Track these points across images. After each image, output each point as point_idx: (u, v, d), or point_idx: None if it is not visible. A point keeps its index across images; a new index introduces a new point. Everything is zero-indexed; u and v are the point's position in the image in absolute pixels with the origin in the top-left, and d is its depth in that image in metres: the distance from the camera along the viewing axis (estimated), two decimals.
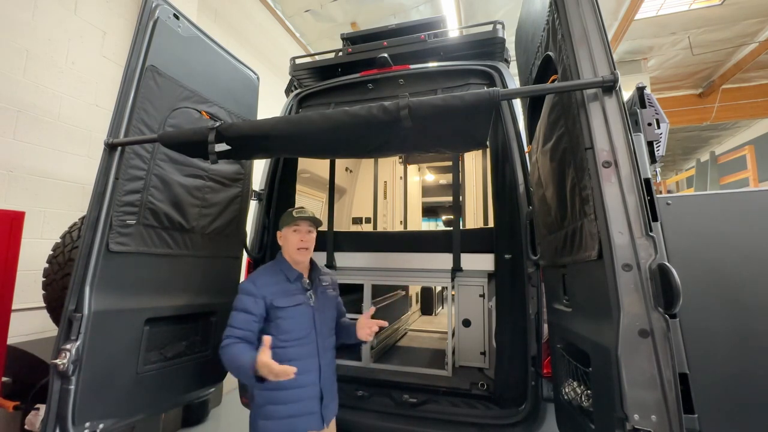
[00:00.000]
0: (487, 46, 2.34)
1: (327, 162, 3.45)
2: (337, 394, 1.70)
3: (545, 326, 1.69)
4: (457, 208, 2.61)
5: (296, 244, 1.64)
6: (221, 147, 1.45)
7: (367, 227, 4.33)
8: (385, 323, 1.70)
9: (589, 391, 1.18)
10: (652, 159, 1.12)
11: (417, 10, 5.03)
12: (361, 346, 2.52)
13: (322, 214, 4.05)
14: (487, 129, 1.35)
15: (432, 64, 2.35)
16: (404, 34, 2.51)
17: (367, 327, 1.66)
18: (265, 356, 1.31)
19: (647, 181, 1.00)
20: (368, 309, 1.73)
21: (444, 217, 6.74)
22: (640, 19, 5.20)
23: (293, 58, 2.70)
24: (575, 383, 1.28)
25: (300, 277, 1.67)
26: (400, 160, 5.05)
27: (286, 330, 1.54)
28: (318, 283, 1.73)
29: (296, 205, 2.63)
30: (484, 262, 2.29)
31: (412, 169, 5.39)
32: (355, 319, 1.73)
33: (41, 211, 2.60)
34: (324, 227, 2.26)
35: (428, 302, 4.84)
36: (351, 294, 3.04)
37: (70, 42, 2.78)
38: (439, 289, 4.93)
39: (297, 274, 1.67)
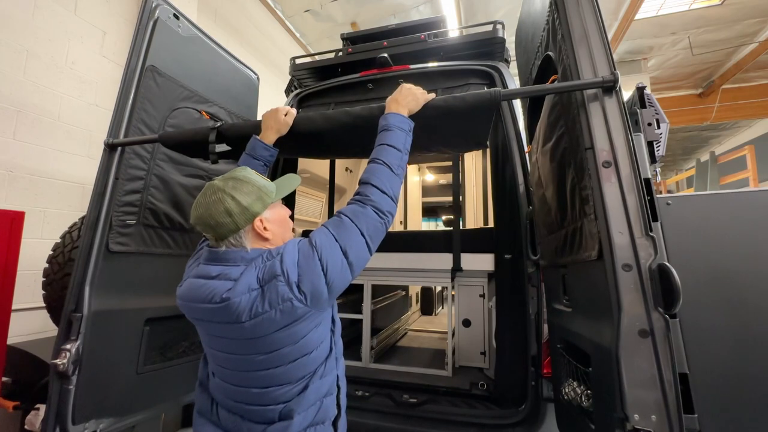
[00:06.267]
0: (487, 46, 2.34)
1: (327, 162, 3.45)
2: None
3: (545, 326, 1.69)
4: (457, 208, 2.60)
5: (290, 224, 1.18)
6: (222, 147, 1.45)
7: None
8: None
9: (589, 391, 1.18)
10: (652, 159, 1.12)
11: (417, 10, 5.03)
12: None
13: (321, 214, 4.07)
14: (487, 129, 1.35)
15: (432, 64, 2.35)
16: (404, 34, 2.51)
17: None
18: None
19: (647, 181, 0.99)
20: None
21: (444, 217, 6.75)
22: (640, 19, 5.20)
23: (293, 58, 2.69)
24: (575, 383, 1.27)
25: None
26: None
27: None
28: None
29: (295, 206, 2.63)
30: (484, 262, 2.29)
31: (412, 169, 5.39)
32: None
33: (41, 211, 2.59)
34: None
35: (428, 302, 4.84)
36: (351, 294, 3.04)
37: (70, 42, 2.77)
38: (439, 289, 4.92)
39: None
